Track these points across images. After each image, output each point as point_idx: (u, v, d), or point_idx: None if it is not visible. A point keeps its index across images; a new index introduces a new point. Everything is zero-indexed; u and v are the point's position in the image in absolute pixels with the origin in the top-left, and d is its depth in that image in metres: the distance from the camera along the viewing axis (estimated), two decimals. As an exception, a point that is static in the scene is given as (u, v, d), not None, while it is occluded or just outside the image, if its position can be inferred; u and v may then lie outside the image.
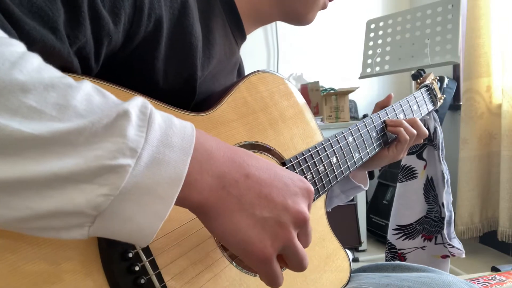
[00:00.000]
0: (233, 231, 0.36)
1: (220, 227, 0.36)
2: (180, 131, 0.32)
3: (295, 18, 0.68)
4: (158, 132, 0.31)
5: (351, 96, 2.54)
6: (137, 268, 0.40)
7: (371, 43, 1.92)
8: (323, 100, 2.38)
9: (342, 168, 0.69)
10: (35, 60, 0.29)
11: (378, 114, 0.79)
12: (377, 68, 1.90)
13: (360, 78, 1.97)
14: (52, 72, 0.29)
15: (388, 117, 0.81)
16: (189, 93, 0.53)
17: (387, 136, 0.81)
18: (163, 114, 0.33)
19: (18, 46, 0.29)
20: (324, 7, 0.69)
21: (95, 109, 0.29)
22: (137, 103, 0.31)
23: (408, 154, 1.31)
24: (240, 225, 0.36)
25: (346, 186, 0.87)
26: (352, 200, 2.33)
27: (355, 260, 2.14)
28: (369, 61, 1.94)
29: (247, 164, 0.38)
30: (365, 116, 2.74)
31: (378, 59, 1.91)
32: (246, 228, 0.36)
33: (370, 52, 1.93)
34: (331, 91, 2.42)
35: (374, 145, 0.77)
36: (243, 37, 0.66)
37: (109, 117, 0.28)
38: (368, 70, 1.93)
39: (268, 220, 0.37)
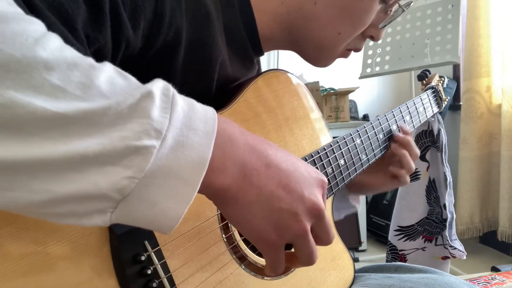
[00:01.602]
0: (249, 220, 0.37)
1: (237, 215, 0.37)
2: (202, 115, 0.32)
3: (309, 60, 0.68)
4: (181, 114, 0.30)
5: (351, 96, 2.54)
6: (149, 272, 0.40)
7: (371, 43, 1.92)
8: (323, 100, 2.38)
9: (350, 170, 0.69)
10: (57, 39, 0.28)
11: (385, 115, 0.78)
12: (377, 68, 1.90)
13: (360, 78, 1.97)
14: (74, 52, 0.28)
15: (395, 119, 0.80)
16: (203, 103, 0.52)
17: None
18: (184, 98, 0.32)
19: (40, 24, 0.28)
20: (344, 56, 0.68)
21: (119, 90, 0.28)
22: (160, 85, 0.30)
23: None
24: (256, 215, 0.36)
25: (341, 204, 0.85)
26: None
27: (355, 260, 2.14)
28: (369, 61, 1.94)
29: (267, 153, 0.38)
30: (365, 116, 2.74)
31: (378, 59, 1.91)
32: (262, 218, 0.36)
33: (370, 52, 1.93)
34: (331, 91, 2.42)
35: (381, 147, 0.77)
36: (260, 54, 0.66)
37: (134, 98, 0.28)
38: (368, 70, 1.93)
39: (284, 211, 0.37)
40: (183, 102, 0.31)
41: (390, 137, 0.78)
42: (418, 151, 0.77)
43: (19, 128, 0.25)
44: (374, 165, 0.75)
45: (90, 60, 0.29)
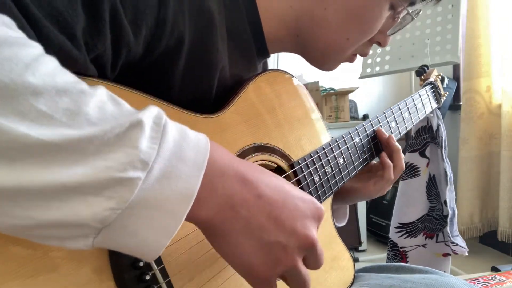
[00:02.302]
0: (237, 253, 0.36)
1: (225, 247, 0.36)
2: (194, 144, 0.31)
3: (314, 64, 0.67)
4: (171, 144, 0.29)
5: (351, 96, 2.54)
6: (147, 277, 0.39)
7: (371, 43, 1.92)
8: (323, 100, 2.38)
9: (349, 169, 0.69)
10: (51, 63, 0.28)
11: (384, 113, 0.78)
12: (377, 68, 1.90)
13: (360, 78, 1.97)
14: (66, 77, 0.28)
15: (394, 116, 0.79)
16: (202, 106, 0.52)
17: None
18: (177, 125, 0.31)
19: (35, 48, 0.28)
20: (350, 61, 0.67)
21: (108, 117, 0.28)
22: (152, 113, 0.29)
23: (411, 151, 1.31)
24: (245, 248, 0.35)
25: None
26: (353, 201, 2.32)
27: (355, 260, 2.14)
28: (369, 61, 1.94)
29: (259, 182, 0.36)
30: (365, 116, 2.74)
31: (378, 59, 1.91)
32: (250, 251, 0.36)
33: (370, 52, 1.93)
34: (331, 91, 2.42)
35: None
36: (266, 56, 0.66)
37: (122, 127, 0.27)
38: (368, 70, 1.93)
39: (273, 245, 0.36)
40: (175, 131, 0.30)
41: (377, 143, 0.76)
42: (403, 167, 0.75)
43: (1, 153, 0.24)
44: (365, 170, 0.75)
45: (82, 86, 0.28)
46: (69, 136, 0.26)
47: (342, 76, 2.67)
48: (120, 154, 0.27)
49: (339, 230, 0.69)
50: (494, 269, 1.49)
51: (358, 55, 0.68)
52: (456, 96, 2.46)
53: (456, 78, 2.51)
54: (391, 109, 0.80)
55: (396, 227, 1.34)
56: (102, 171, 0.26)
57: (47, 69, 0.27)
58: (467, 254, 1.21)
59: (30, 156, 0.25)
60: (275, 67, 2.69)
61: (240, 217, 0.35)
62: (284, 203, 0.37)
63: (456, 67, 2.50)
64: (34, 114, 0.25)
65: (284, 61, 2.63)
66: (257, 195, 0.36)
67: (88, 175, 0.26)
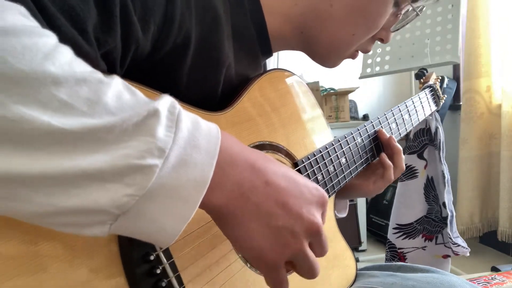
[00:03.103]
0: (247, 238, 0.37)
1: (235, 233, 0.37)
2: (206, 133, 0.32)
3: (317, 60, 0.68)
4: (185, 133, 0.30)
5: (351, 96, 2.54)
6: (158, 271, 0.40)
7: (371, 43, 1.92)
8: (323, 100, 2.38)
9: (351, 169, 0.69)
10: (67, 53, 0.28)
11: (385, 114, 0.79)
12: (377, 68, 1.90)
13: (360, 78, 1.97)
14: (83, 66, 0.28)
15: (394, 118, 0.80)
16: (208, 104, 0.53)
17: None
18: (189, 114, 0.32)
19: (51, 37, 0.28)
20: (352, 57, 0.68)
21: (125, 107, 0.28)
22: (166, 102, 0.30)
23: (409, 153, 1.31)
24: (254, 233, 0.36)
25: None
26: (352, 200, 2.33)
27: (355, 260, 2.14)
28: (369, 61, 1.94)
29: (267, 170, 0.38)
30: (365, 116, 2.74)
31: (378, 59, 1.91)
32: (260, 237, 0.36)
33: (370, 52, 1.93)
34: (331, 91, 2.42)
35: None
36: (269, 55, 0.66)
37: (139, 116, 0.28)
38: (368, 70, 1.93)
39: (281, 230, 0.37)
40: (188, 120, 0.31)
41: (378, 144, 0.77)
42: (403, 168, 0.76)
43: (24, 142, 0.25)
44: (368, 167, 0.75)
45: (99, 75, 0.29)
46: (90, 125, 0.26)
47: (342, 76, 2.67)
48: (139, 142, 0.28)
49: (339, 230, 0.69)
50: (494, 269, 1.49)
51: (360, 52, 0.68)
52: (456, 96, 2.47)
53: (456, 78, 2.51)
54: (391, 110, 0.81)
55: (394, 228, 1.34)
56: (121, 158, 0.27)
57: (66, 59, 0.27)
58: (468, 254, 1.21)
59: (52, 145, 0.25)
60: (275, 67, 2.69)
61: (249, 203, 0.36)
62: (291, 190, 0.38)
63: (456, 67, 2.50)
64: (56, 104, 0.25)
65: (284, 61, 2.64)
66: (266, 181, 0.37)
67: (107, 162, 0.27)
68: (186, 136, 0.30)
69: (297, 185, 0.39)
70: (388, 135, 0.75)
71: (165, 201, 0.29)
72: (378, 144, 0.76)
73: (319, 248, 0.41)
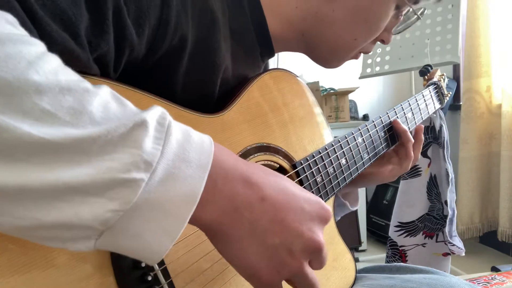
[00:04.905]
0: (241, 256, 0.35)
1: (228, 250, 0.36)
2: (198, 146, 0.31)
3: (319, 61, 0.68)
4: (175, 145, 0.29)
5: (351, 96, 2.54)
6: (149, 278, 0.39)
7: (371, 43, 1.92)
8: (323, 100, 2.38)
9: (351, 170, 0.68)
10: (54, 61, 0.27)
11: (387, 113, 0.78)
12: (377, 68, 1.90)
13: (360, 78, 1.97)
14: (70, 75, 0.27)
15: (397, 116, 0.80)
16: (205, 106, 0.52)
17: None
18: (181, 126, 0.31)
19: (38, 46, 0.27)
20: (355, 58, 0.68)
21: (112, 116, 0.27)
22: (156, 113, 0.29)
23: None
24: (248, 251, 0.35)
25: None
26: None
27: (355, 260, 2.14)
28: (369, 61, 1.94)
29: (264, 185, 0.36)
30: (365, 116, 2.73)
31: (378, 59, 1.91)
32: (254, 255, 0.35)
33: (371, 52, 1.93)
34: (331, 91, 2.42)
35: (383, 145, 0.77)
36: (271, 55, 0.66)
37: (126, 127, 0.27)
38: (368, 70, 1.93)
39: (278, 248, 0.35)
40: (179, 132, 0.30)
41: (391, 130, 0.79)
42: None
43: (3, 152, 0.24)
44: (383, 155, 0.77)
45: (86, 84, 0.28)
46: (73, 135, 0.25)
47: (342, 76, 2.67)
48: (124, 155, 0.26)
49: (339, 230, 0.69)
50: (494, 269, 1.49)
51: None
52: (456, 96, 2.46)
53: (456, 78, 2.51)
54: (394, 109, 0.80)
55: (396, 226, 1.34)
56: (105, 171, 0.26)
57: (51, 67, 0.26)
58: (463, 254, 1.21)
59: (32, 156, 0.24)
60: (275, 67, 2.69)
61: (243, 220, 0.34)
62: (289, 205, 0.37)
63: (456, 67, 2.50)
64: (37, 113, 0.24)
65: (284, 61, 2.63)
66: (261, 197, 0.35)
67: (91, 175, 0.25)
68: (176, 148, 0.29)
69: (297, 200, 0.38)
70: (404, 126, 0.77)
71: (151, 217, 0.28)
72: (380, 144, 0.76)
73: (318, 264, 0.39)
